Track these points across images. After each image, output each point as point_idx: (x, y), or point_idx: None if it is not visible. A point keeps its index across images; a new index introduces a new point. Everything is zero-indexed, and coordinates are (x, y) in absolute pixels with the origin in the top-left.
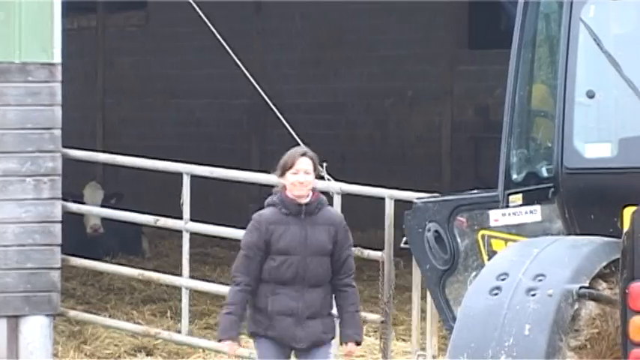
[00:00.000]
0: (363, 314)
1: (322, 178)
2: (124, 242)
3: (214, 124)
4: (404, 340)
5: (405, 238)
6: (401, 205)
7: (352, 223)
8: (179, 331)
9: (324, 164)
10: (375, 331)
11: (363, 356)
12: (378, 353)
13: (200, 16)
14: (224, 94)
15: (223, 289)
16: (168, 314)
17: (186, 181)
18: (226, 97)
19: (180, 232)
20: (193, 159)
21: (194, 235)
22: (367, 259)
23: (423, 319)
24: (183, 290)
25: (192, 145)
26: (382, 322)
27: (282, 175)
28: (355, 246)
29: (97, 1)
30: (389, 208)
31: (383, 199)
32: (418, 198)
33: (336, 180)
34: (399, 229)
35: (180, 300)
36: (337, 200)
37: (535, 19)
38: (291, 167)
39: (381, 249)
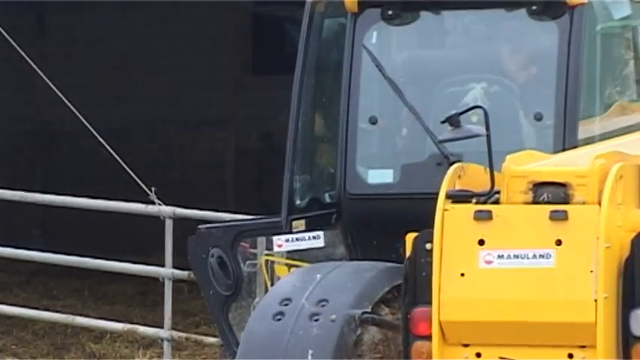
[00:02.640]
0: (201, 337)
1: (153, 203)
2: None
3: None
4: None
5: None
6: None
7: (184, 247)
8: None
9: (153, 189)
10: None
11: None
12: None
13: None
14: (5, 119)
15: (29, 313)
16: None
17: None
18: (7, 122)
19: None
20: None
21: None
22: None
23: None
24: None
25: None
26: (221, 345)
27: None
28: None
29: None
30: None
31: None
32: (200, 224)
33: (166, 204)
34: None
35: None
36: (169, 224)
37: (318, 44)
38: None
39: None
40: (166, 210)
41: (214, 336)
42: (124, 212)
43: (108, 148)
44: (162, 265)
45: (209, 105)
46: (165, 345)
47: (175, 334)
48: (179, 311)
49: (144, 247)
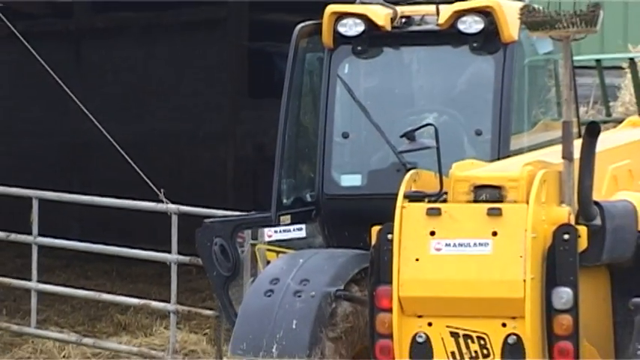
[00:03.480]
0: (200, 310)
1: (162, 202)
2: None
3: (38, 160)
4: (196, 332)
5: None
6: None
7: (188, 237)
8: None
9: (162, 191)
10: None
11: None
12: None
13: (35, 56)
14: (49, 135)
15: (68, 291)
16: None
17: (35, 204)
18: (51, 137)
19: None
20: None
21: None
22: None
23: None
24: (32, 292)
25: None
26: (217, 317)
27: None
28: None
29: None
30: None
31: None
32: (200, 219)
33: (173, 203)
34: None
35: None
36: (174, 219)
37: (301, 74)
38: None
39: None
40: (172, 207)
41: (212, 309)
42: (139, 209)
43: (127, 157)
44: (170, 252)
45: (212, 122)
46: (172, 316)
47: (180, 307)
48: (189, 289)
49: (155, 237)
